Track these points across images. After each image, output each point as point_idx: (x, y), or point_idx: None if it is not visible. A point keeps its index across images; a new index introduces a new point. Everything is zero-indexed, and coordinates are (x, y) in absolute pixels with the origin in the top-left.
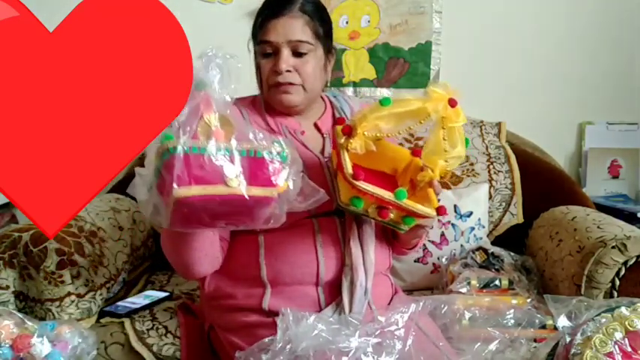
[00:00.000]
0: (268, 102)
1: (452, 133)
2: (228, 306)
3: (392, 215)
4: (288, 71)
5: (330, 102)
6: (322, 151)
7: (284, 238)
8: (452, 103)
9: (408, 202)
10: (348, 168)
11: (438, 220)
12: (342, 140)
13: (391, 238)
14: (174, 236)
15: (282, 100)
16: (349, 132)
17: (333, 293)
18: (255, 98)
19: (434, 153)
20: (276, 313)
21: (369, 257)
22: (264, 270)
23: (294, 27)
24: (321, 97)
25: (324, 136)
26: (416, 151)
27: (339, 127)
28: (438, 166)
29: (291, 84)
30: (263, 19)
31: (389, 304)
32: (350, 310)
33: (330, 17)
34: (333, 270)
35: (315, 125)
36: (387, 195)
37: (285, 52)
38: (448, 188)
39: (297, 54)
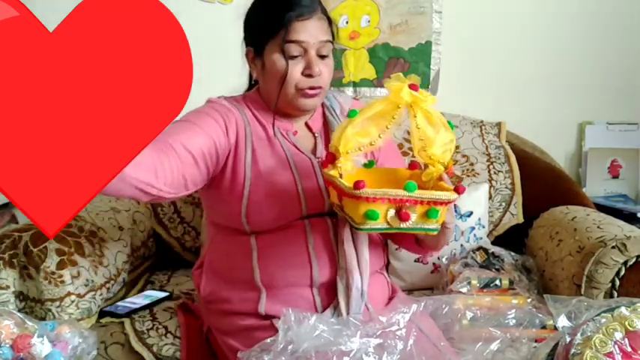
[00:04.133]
0: (281, 105)
1: (427, 116)
2: (225, 310)
3: (414, 216)
4: (319, 75)
5: None
6: (314, 151)
7: (276, 240)
8: (413, 87)
9: (423, 192)
10: (347, 185)
11: None
12: (332, 171)
13: (415, 243)
14: None
15: (308, 105)
16: (333, 159)
17: (329, 295)
18: (245, 97)
19: (423, 147)
20: (273, 317)
21: (363, 258)
22: (257, 274)
23: (323, 28)
24: None
25: (315, 135)
26: (413, 165)
27: (325, 170)
28: (436, 159)
29: (320, 87)
30: (291, 18)
31: (387, 304)
32: (347, 313)
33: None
34: (327, 271)
35: (306, 124)
36: (399, 192)
37: (314, 54)
38: None
39: (321, 56)
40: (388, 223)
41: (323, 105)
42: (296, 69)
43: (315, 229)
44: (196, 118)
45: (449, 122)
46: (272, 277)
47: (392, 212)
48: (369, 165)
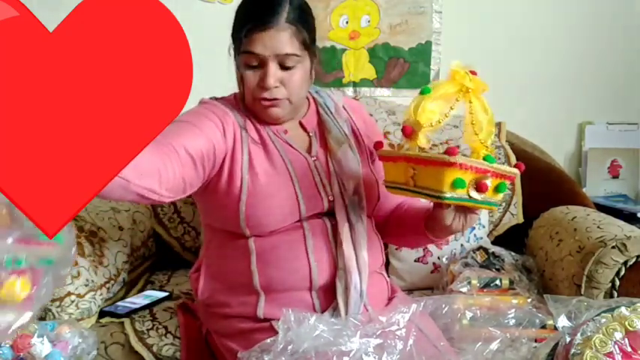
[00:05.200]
0: (250, 110)
1: (482, 103)
2: (223, 313)
3: (490, 188)
4: (276, 87)
5: (314, 98)
6: (309, 150)
7: (275, 243)
8: (473, 73)
9: (500, 165)
10: (441, 153)
11: None
12: (409, 144)
13: (423, 231)
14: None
15: (269, 114)
16: (411, 132)
17: (328, 297)
18: (236, 96)
19: (474, 131)
20: (271, 320)
21: (362, 258)
22: (256, 277)
23: (282, 40)
24: (307, 98)
25: (310, 134)
26: (450, 150)
27: (382, 151)
28: (485, 143)
29: (276, 99)
30: (248, 29)
31: (387, 304)
32: (346, 314)
33: (314, 15)
34: (326, 274)
35: (300, 124)
36: (484, 163)
37: (273, 67)
38: None
39: (284, 67)
40: (469, 194)
41: (317, 103)
42: (252, 79)
43: (314, 231)
44: (195, 119)
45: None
46: (271, 280)
47: (472, 184)
48: (425, 90)
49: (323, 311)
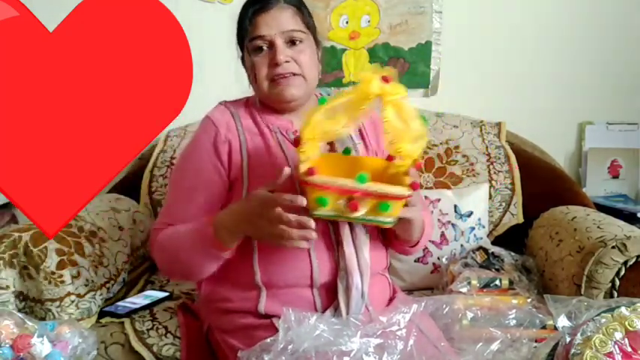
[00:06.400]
0: (265, 101)
1: (398, 110)
2: (225, 309)
3: (365, 207)
4: (287, 62)
5: None
6: None
7: None
8: (386, 79)
9: (372, 185)
10: (303, 169)
11: (438, 220)
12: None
13: (392, 237)
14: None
15: (285, 93)
16: (297, 144)
17: (329, 296)
18: (249, 100)
19: (393, 141)
20: (272, 316)
21: (363, 259)
22: (258, 274)
23: (285, 17)
24: (314, 95)
25: None
26: (308, 170)
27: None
28: (404, 153)
29: (293, 74)
30: (251, 15)
31: (387, 305)
32: (347, 314)
33: (314, 15)
34: (327, 272)
35: None
36: (347, 183)
37: (281, 43)
38: (448, 188)
39: (292, 43)
40: (339, 211)
41: None
42: (263, 61)
43: (316, 231)
44: (194, 178)
45: (422, 117)
46: (272, 277)
47: (342, 201)
48: (346, 152)
49: (324, 309)
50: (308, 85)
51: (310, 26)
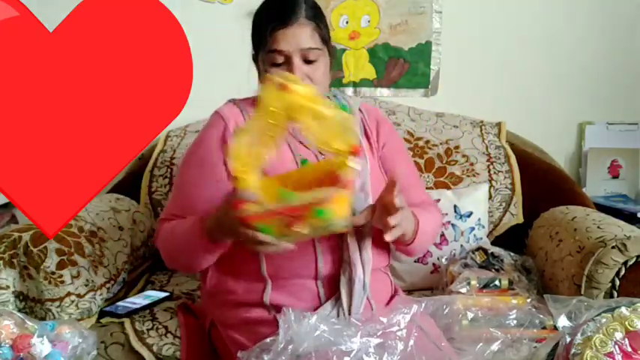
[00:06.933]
0: None
1: (307, 111)
2: (230, 301)
3: (306, 221)
4: (302, 80)
5: (329, 98)
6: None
7: None
8: (283, 86)
9: (297, 196)
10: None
11: None
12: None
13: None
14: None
15: None
16: (235, 181)
17: (332, 288)
18: (257, 98)
19: (320, 145)
20: (277, 308)
21: (366, 253)
22: (264, 265)
23: (304, 35)
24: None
25: None
26: (233, 203)
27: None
28: (336, 148)
29: None
30: (272, 28)
31: (387, 304)
32: (349, 305)
33: (327, 18)
34: (331, 264)
35: None
36: (272, 206)
37: (298, 61)
38: (448, 188)
39: (307, 61)
40: (289, 233)
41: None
42: None
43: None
44: (200, 170)
45: (343, 106)
46: (278, 268)
47: (286, 221)
48: (303, 163)
49: (327, 300)
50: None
51: (326, 39)
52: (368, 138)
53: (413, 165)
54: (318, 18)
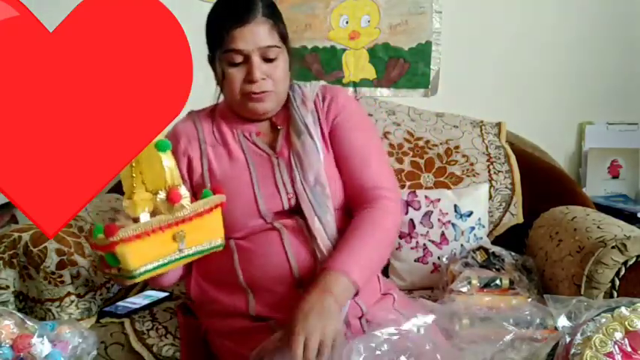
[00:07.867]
0: (235, 109)
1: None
2: (217, 311)
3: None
4: (262, 79)
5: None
6: (274, 146)
7: (252, 242)
8: (108, 232)
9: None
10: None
11: (438, 220)
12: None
13: None
14: None
15: (257, 109)
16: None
17: None
18: (216, 107)
19: (155, 183)
20: (265, 319)
21: None
22: (240, 275)
23: (262, 33)
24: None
25: (279, 128)
26: (107, 230)
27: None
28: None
29: (264, 92)
30: (229, 27)
31: (379, 300)
32: None
33: (313, 15)
34: (307, 270)
35: (271, 120)
36: (136, 228)
37: (257, 60)
38: (448, 188)
39: (267, 60)
40: (178, 250)
41: (288, 97)
42: (238, 76)
43: (289, 229)
44: None
45: (161, 142)
46: (254, 278)
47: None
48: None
49: None
50: (279, 97)
51: (285, 37)
52: (320, 123)
53: (375, 141)
54: (275, 15)
